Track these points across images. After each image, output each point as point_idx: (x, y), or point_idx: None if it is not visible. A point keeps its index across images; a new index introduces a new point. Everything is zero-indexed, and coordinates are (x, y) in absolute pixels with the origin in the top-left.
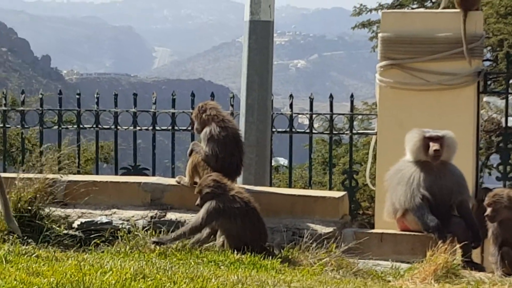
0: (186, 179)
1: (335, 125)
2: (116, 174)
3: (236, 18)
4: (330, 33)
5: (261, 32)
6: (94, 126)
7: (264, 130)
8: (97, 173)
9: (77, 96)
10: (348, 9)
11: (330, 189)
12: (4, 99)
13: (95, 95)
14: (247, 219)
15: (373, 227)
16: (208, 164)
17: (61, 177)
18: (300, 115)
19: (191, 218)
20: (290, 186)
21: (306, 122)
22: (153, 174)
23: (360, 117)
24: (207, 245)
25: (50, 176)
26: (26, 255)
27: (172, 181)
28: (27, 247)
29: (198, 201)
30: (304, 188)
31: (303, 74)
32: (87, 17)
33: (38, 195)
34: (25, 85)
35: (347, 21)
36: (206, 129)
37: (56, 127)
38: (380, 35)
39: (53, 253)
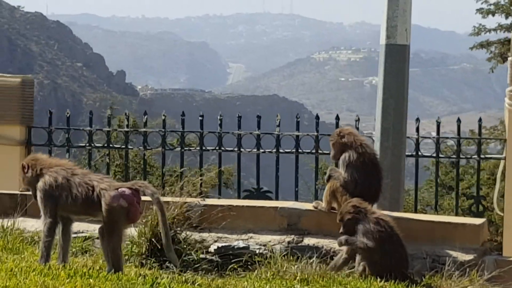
0: (323, 204)
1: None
2: (239, 197)
3: (310, 34)
4: None
5: (397, 56)
6: (217, 148)
7: (399, 155)
8: (219, 196)
9: (200, 118)
10: (424, 26)
11: (456, 214)
12: (127, 120)
13: (219, 117)
14: (390, 244)
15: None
16: (347, 190)
17: (200, 201)
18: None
19: (328, 244)
20: (415, 211)
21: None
22: (276, 197)
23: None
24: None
25: (189, 200)
26: (187, 283)
27: (309, 206)
28: (185, 275)
29: (341, 229)
30: (423, 211)
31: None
32: (162, 33)
33: (175, 219)
34: (99, 100)
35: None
36: (345, 155)
37: (179, 148)
38: (510, 58)
39: (210, 281)
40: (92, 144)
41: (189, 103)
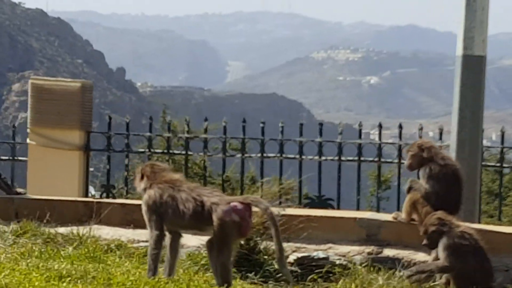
0: (403, 216)
1: None
2: (300, 204)
3: (310, 33)
4: (404, 50)
5: (474, 67)
6: (279, 155)
7: (475, 166)
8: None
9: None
10: (422, 26)
11: (499, 220)
12: (187, 126)
13: (280, 124)
14: (476, 257)
15: None
16: (428, 202)
17: (281, 211)
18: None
19: (408, 255)
20: (479, 221)
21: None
22: (338, 206)
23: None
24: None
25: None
26: None
27: (388, 217)
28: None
29: (424, 241)
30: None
31: (376, 91)
32: (161, 31)
33: (255, 229)
34: (100, 97)
35: (421, 38)
36: (426, 167)
37: (240, 155)
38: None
39: None
40: (152, 150)
41: (188, 101)
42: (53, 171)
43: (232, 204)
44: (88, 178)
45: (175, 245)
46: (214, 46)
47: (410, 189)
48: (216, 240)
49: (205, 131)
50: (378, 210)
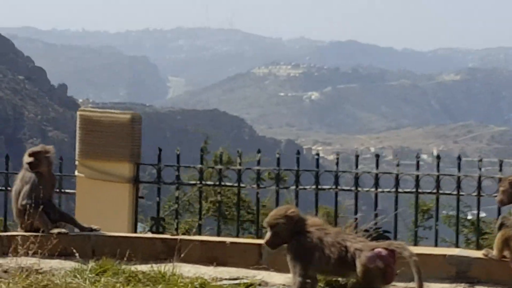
0: (494, 253)
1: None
2: None
3: (251, 49)
4: (345, 65)
5: None
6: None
7: None
8: None
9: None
10: (362, 42)
11: None
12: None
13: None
14: None
15: None
16: None
17: None
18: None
19: None
20: None
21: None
22: (395, 237)
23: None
24: None
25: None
26: None
27: (478, 253)
28: None
29: None
30: None
31: (317, 106)
32: (102, 47)
33: None
34: (41, 113)
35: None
36: None
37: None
38: None
39: None
40: (203, 182)
41: None
42: (102, 204)
43: (377, 250)
44: (137, 210)
45: None
46: (154, 62)
47: (501, 225)
48: (360, 286)
49: (258, 163)
50: (416, 240)
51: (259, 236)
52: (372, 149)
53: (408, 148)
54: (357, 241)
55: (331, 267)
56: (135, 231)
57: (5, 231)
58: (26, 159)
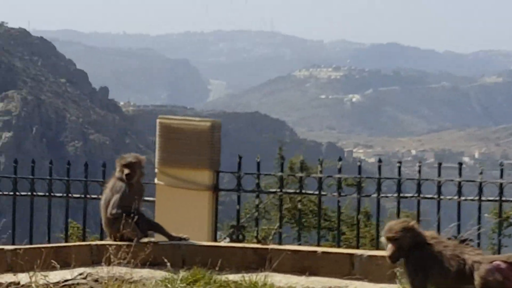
0: None
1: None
2: None
3: (291, 51)
4: (385, 68)
5: None
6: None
7: None
8: None
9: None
10: (403, 44)
11: None
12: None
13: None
14: None
15: None
16: None
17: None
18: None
19: None
20: None
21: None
22: (478, 245)
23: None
24: None
25: None
26: None
27: None
28: None
29: None
30: None
31: (358, 109)
32: (143, 49)
33: None
34: (83, 116)
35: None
36: None
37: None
38: None
39: None
40: (283, 190)
41: None
42: (181, 212)
43: (495, 263)
44: (217, 218)
45: None
46: (195, 65)
47: None
48: None
49: (339, 171)
50: (499, 248)
51: (340, 245)
52: (413, 152)
53: (450, 150)
54: (475, 253)
55: (449, 280)
56: (215, 239)
57: (84, 239)
58: (122, 170)
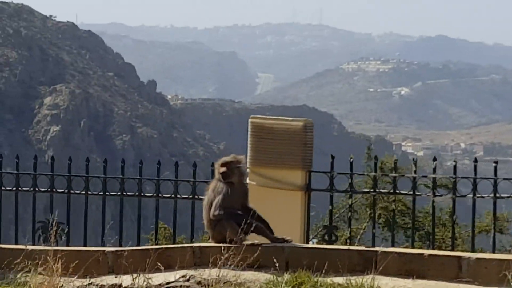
0: None
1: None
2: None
3: (339, 44)
4: (434, 60)
5: None
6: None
7: None
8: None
9: (454, 163)
10: (452, 37)
11: None
12: (414, 166)
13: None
14: None
15: None
16: None
17: None
18: None
19: None
20: None
21: None
22: None
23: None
24: None
25: None
26: None
27: None
28: None
29: None
30: None
31: (406, 102)
32: (190, 42)
33: None
34: (131, 110)
35: (451, 49)
36: None
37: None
38: None
39: None
40: (377, 190)
41: (219, 113)
42: (273, 212)
43: None
44: (310, 219)
45: None
46: (243, 58)
47: None
48: None
49: (434, 171)
50: None
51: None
52: (462, 145)
53: (500, 144)
54: None
55: None
56: (307, 240)
57: (175, 241)
58: (219, 169)
